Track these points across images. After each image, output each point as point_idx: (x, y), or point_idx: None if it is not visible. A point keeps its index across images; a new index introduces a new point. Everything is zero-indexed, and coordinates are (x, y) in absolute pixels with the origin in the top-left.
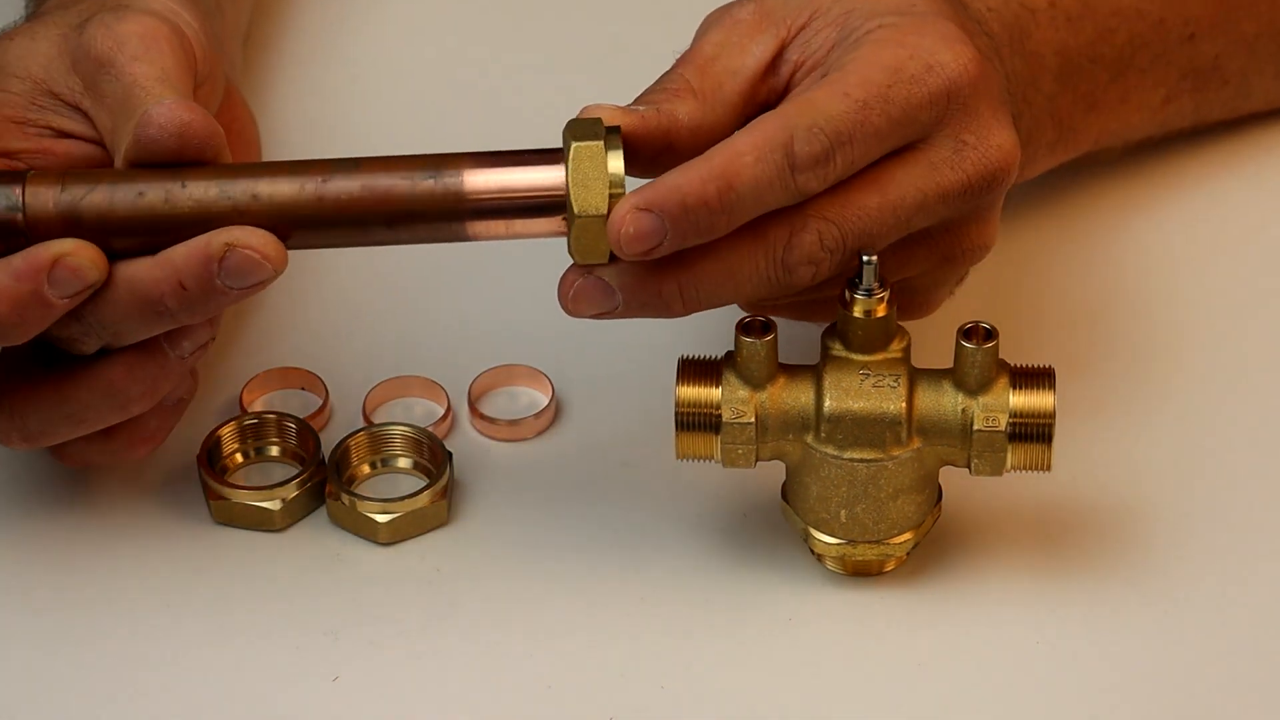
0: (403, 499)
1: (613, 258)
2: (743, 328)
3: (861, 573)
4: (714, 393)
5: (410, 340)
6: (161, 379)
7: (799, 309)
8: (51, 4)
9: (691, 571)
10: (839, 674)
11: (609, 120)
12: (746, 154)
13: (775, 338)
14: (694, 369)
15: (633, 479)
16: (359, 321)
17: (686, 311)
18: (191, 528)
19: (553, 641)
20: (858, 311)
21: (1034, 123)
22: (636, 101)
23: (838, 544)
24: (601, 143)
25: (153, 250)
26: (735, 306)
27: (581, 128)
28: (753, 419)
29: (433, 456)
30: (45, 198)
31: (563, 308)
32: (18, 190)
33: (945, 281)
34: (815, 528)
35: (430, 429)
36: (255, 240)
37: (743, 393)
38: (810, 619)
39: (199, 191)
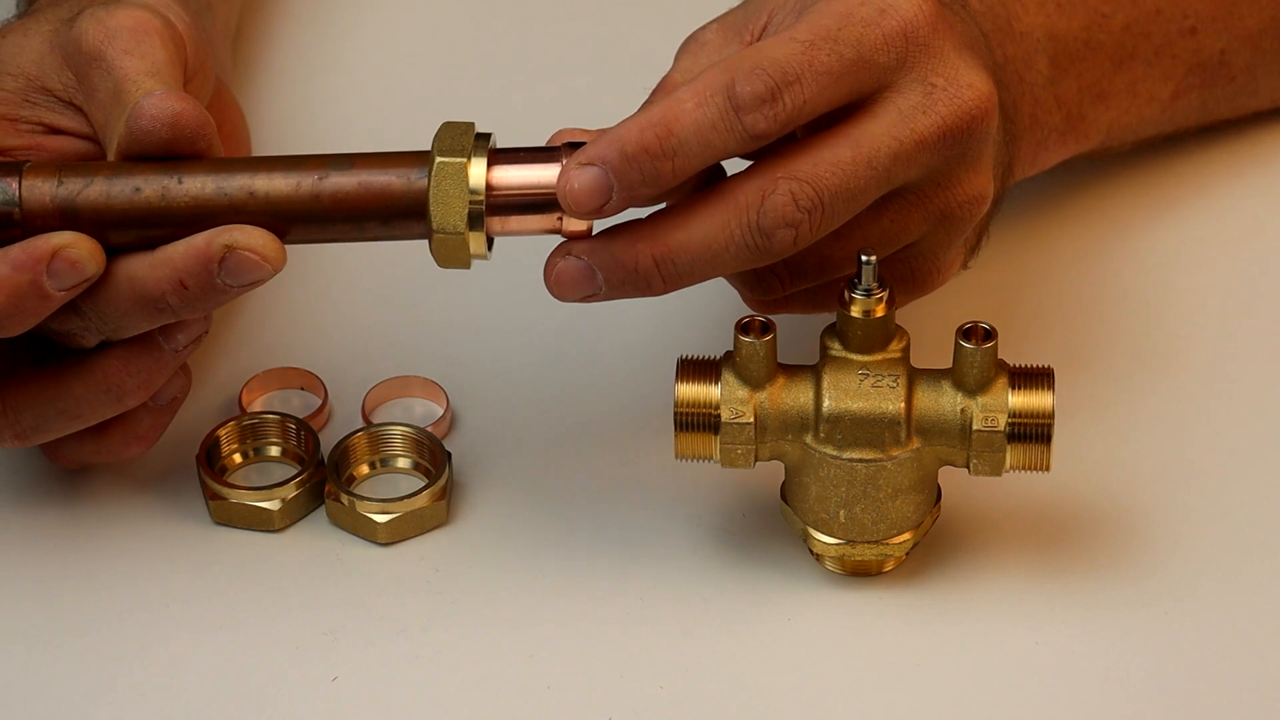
0: (402, 499)
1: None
2: (742, 327)
3: (860, 573)
4: (713, 393)
5: (410, 340)
6: (156, 372)
7: (810, 299)
8: (44, 0)
9: (691, 571)
10: (838, 674)
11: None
12: (687, 100)
13: (774, 338)
14: (693, 369)
15: (632, 479)
16: (359, 321)
17: (668, 288)
18: (190, 528)
19: (552, 641)
20: (856, 311)
21: (1035, 104)
22: None
23: (837, 544)
24: (464, 160)
25: (149, 243)
26: (736, 305)
27: (450, 137)
28: (752, 419)
29: (432, 456)
30: (42, 191)
31: (550, 292)
32: (14, 183)
33: (949, 244)
34: (814, 528)
35: (430, 429)
36: (255, 241)
37: (742, 393)
38: (809, 619)
39: (195, 188)
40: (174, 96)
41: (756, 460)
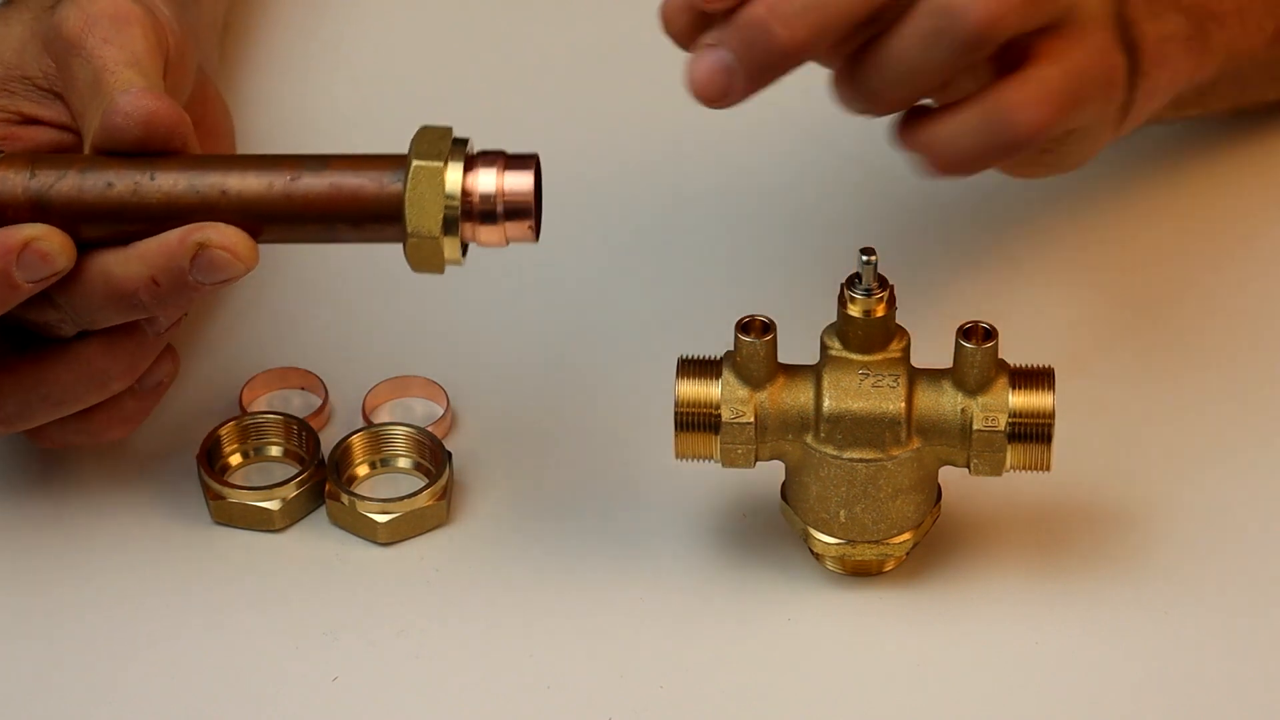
0: (402, 499)
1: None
2: (742, 327)
3: (861, 573)
4: (713, 392)
5: (410, 340)
6: (140, 356)
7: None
8: None
9: (691, 571)
10: (838, 674)
11: None
12: None
13: (774, 337)
14: (693, 368)
15: (632, 479)
16: (359, 321)
17: (791, 33)
18: (191, 528)
19: (553, 641)
20: (856, 311)
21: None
22: None
23: (837, 544)
24: (441, 163)
25: (122, 238)
26: (737, 305)
27: (427, 141)
28: (752, 419)
29: (433, 456)
30: (14, 183)
31: (693, 94)
32: None
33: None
34: (815, 528)
35: (430, 429)
36: (228, 239)
37: (742, 392)
38: (810, 619)
39: (167, 184)
40: (149, 95)
41: (757, 460)
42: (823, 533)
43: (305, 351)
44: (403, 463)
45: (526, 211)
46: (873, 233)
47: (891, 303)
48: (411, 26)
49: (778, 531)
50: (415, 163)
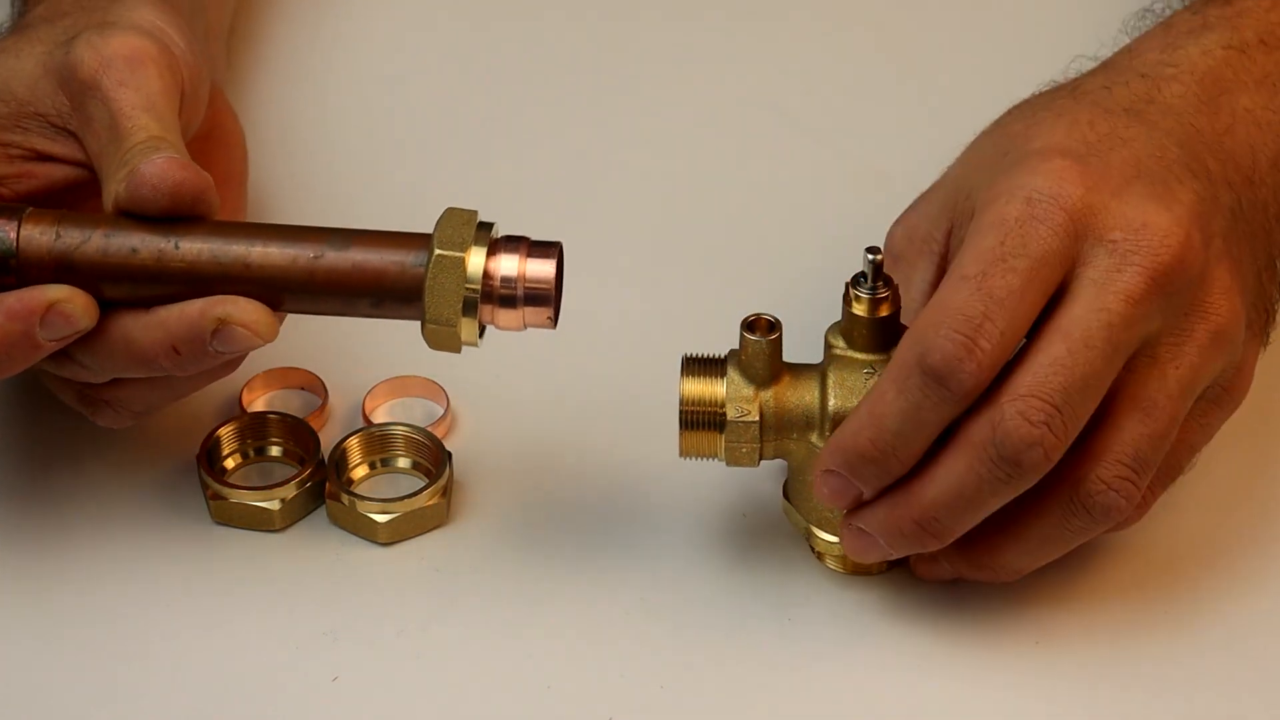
0: (402, 499)
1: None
2: (748, 325)
3: (861, 572)
4: (718, 391)
5: (410, 340)
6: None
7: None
8: (35, 15)
9: (691, 571)
10: (838, 674)
11: None
12: (888, 390)
13: (780, 336)
14: (698, 367)
15: (632, 478)
16: (359, 321)
17: (944, 542)
18: (191, 527)
19: (553, 641)
20: (861, 310)
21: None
22: None
23: (839, 543)
24: (463, 254)
25: (143, 301)
26: (738, 304)
27: (451, 226)
28: (757, 418)
29: (432, 456)
30: (40, 243)
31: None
32: (13, 231)
33: (1232, 353)
34: (817, 526)
35: (430, 429)
36: (249, 316)
37: (747, 391)
38: (810, 619)
39: (191, 254)
40: (175, 165)
41: (760, 459)
42: (825, 531)
43: (305, 351)
44: (403, 463)
45: (546, 299)
46: (878, 232)
47: (896, 302)
48: (416, 27)
49: (778, 531)
50: (438, 251)
